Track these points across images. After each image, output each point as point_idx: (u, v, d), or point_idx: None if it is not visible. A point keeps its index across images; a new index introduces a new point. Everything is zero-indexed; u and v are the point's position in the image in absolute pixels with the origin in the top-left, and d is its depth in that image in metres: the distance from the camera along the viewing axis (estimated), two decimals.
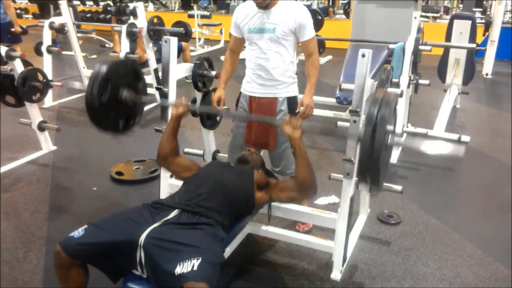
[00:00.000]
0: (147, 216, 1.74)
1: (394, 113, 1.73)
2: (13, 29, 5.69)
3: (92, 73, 2.03)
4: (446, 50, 4.80)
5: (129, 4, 7.70)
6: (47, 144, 3.79)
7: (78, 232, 1.65)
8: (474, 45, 4.24)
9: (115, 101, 2.08)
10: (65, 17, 5.27)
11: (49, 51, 5.06)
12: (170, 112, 2.22)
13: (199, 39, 8.92)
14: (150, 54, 4.95)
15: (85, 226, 1.69)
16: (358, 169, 1.87)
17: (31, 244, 2.50)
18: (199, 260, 1.50)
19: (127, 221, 1.70)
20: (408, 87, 3.69)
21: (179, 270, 1.48)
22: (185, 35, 5.51)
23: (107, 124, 2.13)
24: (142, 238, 1.60)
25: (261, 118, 2.36)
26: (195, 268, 1.48)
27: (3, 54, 3.28)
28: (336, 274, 2.16)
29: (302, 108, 2.38)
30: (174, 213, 1.76)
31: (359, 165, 1.82)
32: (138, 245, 1.60)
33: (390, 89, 2.31)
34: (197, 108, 2.43)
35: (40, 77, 3.51)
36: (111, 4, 8.43)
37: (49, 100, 5.06)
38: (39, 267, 2.29)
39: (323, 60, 7.20)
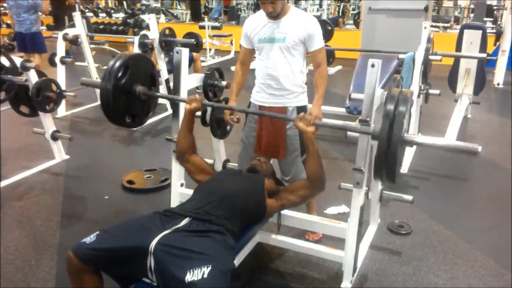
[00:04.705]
0: (158, 223, 1.76)
1: (410, 110, 1.80)
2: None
3: (110, 62, 2.07)
4: (457, 60, 4.79)
5: (141, 16, 7.86)
6: (60, 153, 3.84)
7: (90, 238, 1.68)
8: (484, 55, 4.23)
9: (129, 92, 2.12)
10: (79, 29, 5.36)
11: (62, 62, 5.14)
12: (182, 111, 2.31)
13: (210, 49, 9.01)
14: (161, 65, 5.02)
15: (97, 232, 1.71)
16: (374, 164, 1.88)
17: (44, 252, 2.53)
18: (209, 268, 1.51)
19: (138, 227, 1.72)
20: (419, 97, 3.69)
21: (189, 277, 1.49)
22: (196, 46, 5.58)
23: (118, 115, 2.14)
24: (153, 245, 1.62)
25: (274, 114, 2.30)
26: (205, 276, 1.49)
27: (18, 65, 3.35)
28: (346, 284, 2.16)
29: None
30: (185, 221, 1.78)
31: (375, 160, 1.82)
32: (149, 252, 1.61)
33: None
34: (210, 103, 2.42)
35: (54, 88, 3.57)
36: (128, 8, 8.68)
37: (62, 110, 5.14)
38: (51, 275, 2.32)
39: (332, 70, 7.21)
